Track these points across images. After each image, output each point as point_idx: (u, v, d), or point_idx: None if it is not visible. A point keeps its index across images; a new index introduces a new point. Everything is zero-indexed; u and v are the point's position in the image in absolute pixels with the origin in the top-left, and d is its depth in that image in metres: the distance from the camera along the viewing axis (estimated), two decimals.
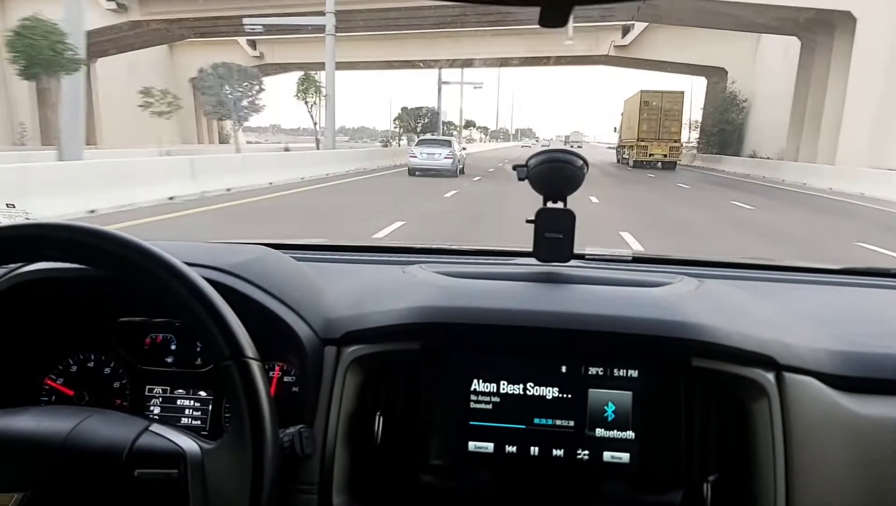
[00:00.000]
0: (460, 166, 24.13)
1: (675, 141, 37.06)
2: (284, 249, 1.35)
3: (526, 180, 1.13)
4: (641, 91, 37.82)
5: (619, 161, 43.88)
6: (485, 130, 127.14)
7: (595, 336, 1.01)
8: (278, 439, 0.86)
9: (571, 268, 1.22)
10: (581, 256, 1.40)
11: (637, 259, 1.46)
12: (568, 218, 1.14)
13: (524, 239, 1.23)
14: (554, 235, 1.14)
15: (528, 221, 1.15)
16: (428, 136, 31.94)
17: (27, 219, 1.25)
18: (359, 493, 1.01)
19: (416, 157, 23.23)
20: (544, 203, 1.14)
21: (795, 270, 1.48)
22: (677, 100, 37.75)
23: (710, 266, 1.47)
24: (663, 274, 1.26)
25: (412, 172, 22.99)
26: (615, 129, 47.24)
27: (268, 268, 1.15)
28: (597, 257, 1.42)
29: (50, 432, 0.85)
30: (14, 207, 1.52)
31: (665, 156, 36.53)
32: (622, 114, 44.76)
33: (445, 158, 22.90)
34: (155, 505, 0.84)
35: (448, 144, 24.10)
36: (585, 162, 1.13)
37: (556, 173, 1.12)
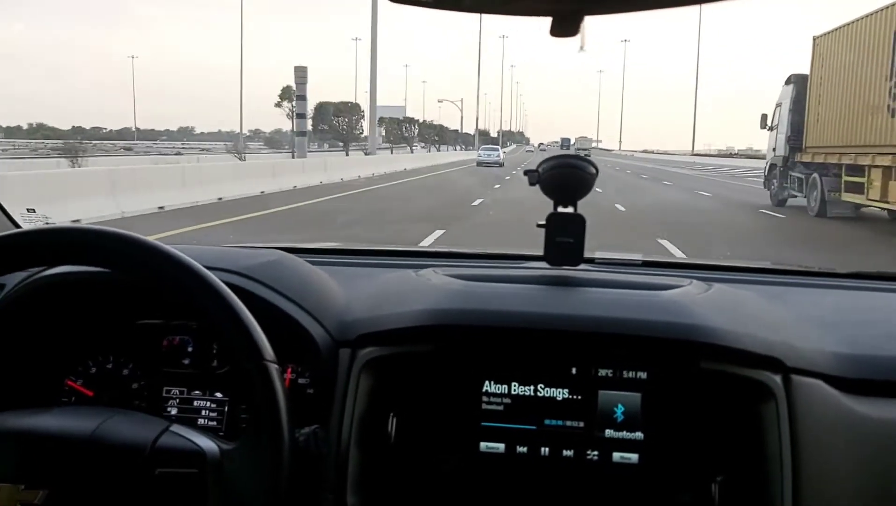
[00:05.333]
0: (502, 161, 44.89)
1: None
2: (299, 253, 1.35)
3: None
4: None
5: (784, 202, 17.35)
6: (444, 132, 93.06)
7: (605, 338, 1.03)
8: (294, 440, 0.88)
9: (582, 271, 1.22)
10: (591, 260, 1.41)
11: (647, 263, 1.48)
12: (578, 222, 1.15)
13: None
14: (564, 239, 1.15)
15: (538, 225, 1.17)
16: (487, 146, 55.21)
17: (47, 223, 1.29)
18: (372, 492, 1.02)
19: (481, 156, 45.53)
20: (555, 208, 1.16)
21: (804, 274, 1.48)
22: None
23: (719, 270, 1.47)
24: (673, 277, 1.25)
25: (479, 164, 42.88)
26: (767, 123, 18.57)
27: (283, 271, 1.17)
28: (607, 261, 1.44)
29: (74, 431, 0.87)
30: (34, 211, 1.65)
31: None
32: (791, 82, 17.13)
33: (497, 156, 45.13)
34: (174, 503, 0.86)
35: (497, 149, 48.82)
36: (596, 167, 1.14)
37: (566, 178, 1.14)
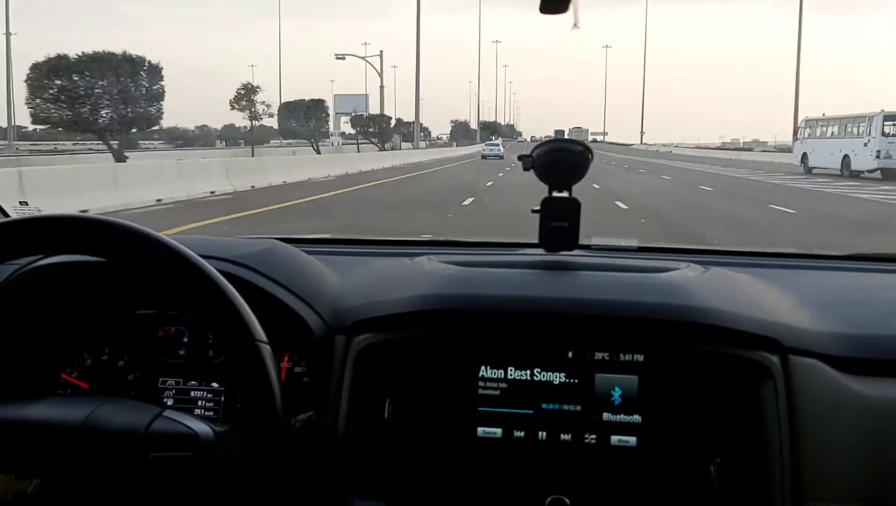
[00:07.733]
0: (503, 153, 53.14)
1: None
2: (294, 242, 1.35)
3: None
4: None
5: None
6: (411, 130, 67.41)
7: (601, 321, 1.03)
8: (289, 422, 0.89)
9: (577, 256, 1.23)
10: (587, 246, 1.41)
11: (643, 248, 1.48)
12: (573, 206, 1.15)
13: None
14: (560, 223, 1.15)
15: (533, 211, 1.17)
16: (489, 141, 67.48)
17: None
18: (369, 478, 1.03)
19: (484, 150, 55.36)
20: (549, 192, 1.16)
21: (801, 256, 1.49)
22: None
23: (716, 254, 1.48)
24: (669, 261, 1.26)
25: (483, 157, 51.32)
26: None
27: (278, 259, 1.18)
28: (603, 246, 1.44)
29: (66, 419, 0.87)
30: (27, 204, 1.58)
31: None
32: None
33: (498, 150, 54.86)
34: (170, 487, 0.86)
35: (498, 144, 60.53)
36: (590, 150, 1.14)
37: (560, 163, 1.14)
